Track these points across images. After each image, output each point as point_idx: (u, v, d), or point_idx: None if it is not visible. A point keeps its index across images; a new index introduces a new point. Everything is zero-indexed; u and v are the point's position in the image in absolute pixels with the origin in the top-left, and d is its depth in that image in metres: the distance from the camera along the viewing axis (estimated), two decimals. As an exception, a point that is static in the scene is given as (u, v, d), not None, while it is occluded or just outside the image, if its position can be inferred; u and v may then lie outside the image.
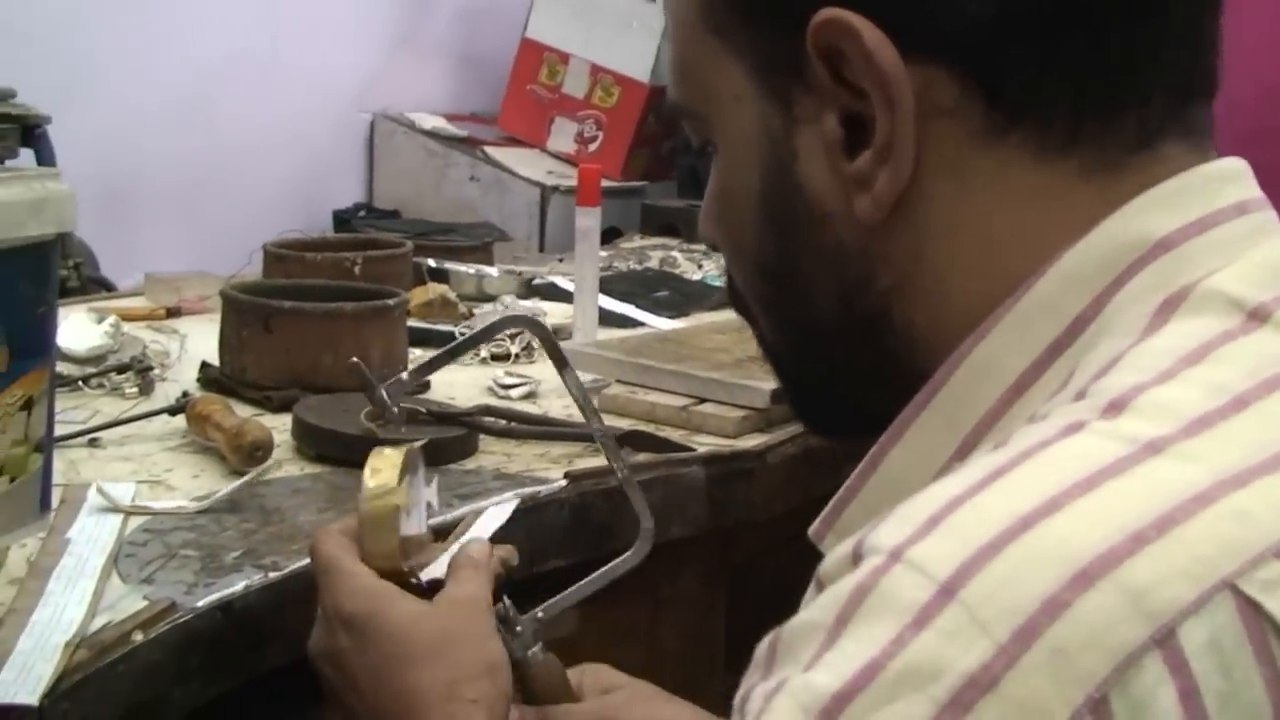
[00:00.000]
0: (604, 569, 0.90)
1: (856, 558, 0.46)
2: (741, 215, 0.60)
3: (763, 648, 0.47)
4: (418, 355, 1.56)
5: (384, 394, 0.86)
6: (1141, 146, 0.54)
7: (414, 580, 0.84)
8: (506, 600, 0.85)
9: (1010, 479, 0.45)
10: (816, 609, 0.45)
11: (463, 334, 1.67)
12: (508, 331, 1.66)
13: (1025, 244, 0.54)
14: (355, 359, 0.90)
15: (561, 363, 0.89)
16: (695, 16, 0.59)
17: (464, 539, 0.91)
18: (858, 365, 0.60)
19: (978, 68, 0.53)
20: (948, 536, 0.44)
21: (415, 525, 0.91)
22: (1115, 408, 0.47)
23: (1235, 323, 0.50)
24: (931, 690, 0.42)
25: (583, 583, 0.90)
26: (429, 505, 0.92)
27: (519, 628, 0.84)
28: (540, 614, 0.86)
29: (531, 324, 0.90)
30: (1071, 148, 0.53)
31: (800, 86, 0.56)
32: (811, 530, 0.60)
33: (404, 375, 0.89)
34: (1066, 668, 0.41)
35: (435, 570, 0.85)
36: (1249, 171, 0.56)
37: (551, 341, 0.89)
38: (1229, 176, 0.55)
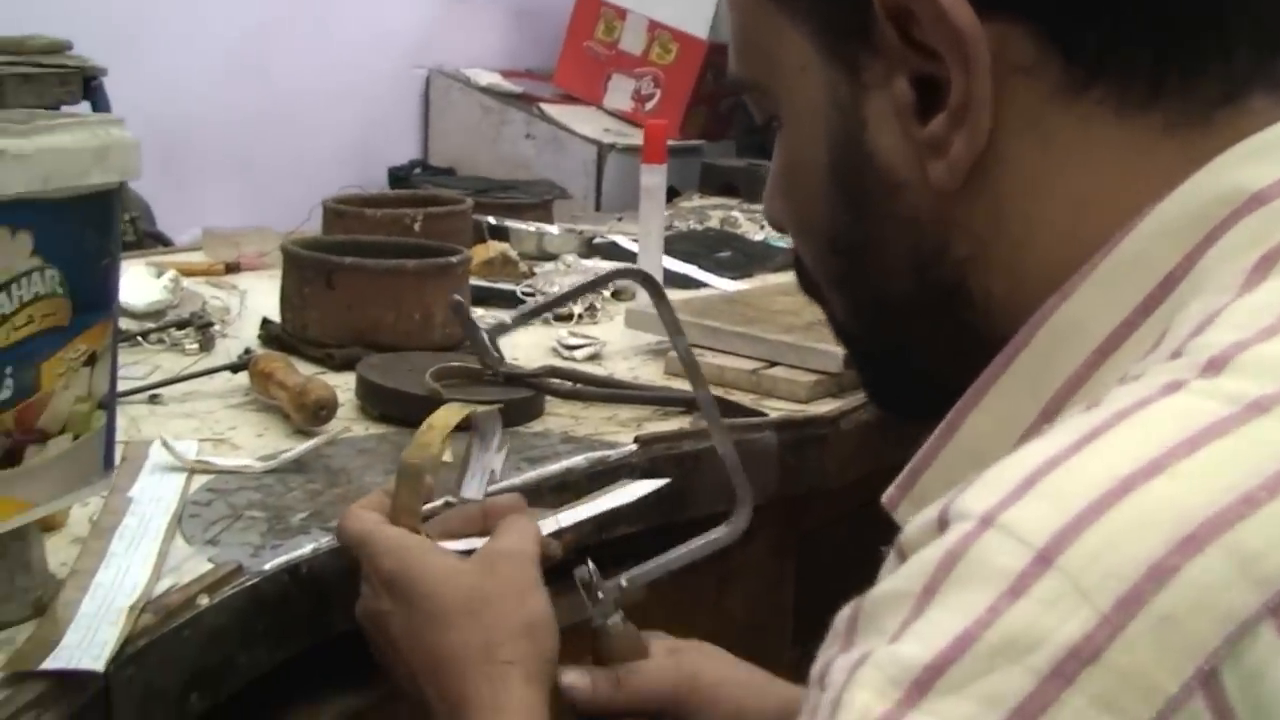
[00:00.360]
0: (696, 543, 0.87)
1: (943, 523, 0.43)
2: (810, 190, 0.58)
3: (842, 618, 0.45)
4: (479, 314, 1.53)
5: (486, 337, 0.82)
6: (1226, 101, 0.52)
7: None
8: (591, 565, 0.83)
9: (1108, 440, 0.43)
10: (901, 578, 0.43)
11: (525, 293, 1.63)
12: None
13: (1109, 203, 0.52)
14: (457, 296, 0.86)
15: (674, 325, 0.85)
16: None
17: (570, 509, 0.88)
18: (934, 340, 0.58)
19: (1055, 23, 0.51)
20: (1043, 500, 0.41)
21: (474, 490, 0.88)
22: (1215, 366, 0.44)
23: None
24: (1030, 661, 0.39)
25: (671, 555, 0.87)
26: (491, 473, 0.89)
27: (600, 594, 0.82)
28: (624, 582, 0.83)
29: (644, 278, 0.86)
30: (1154, 103, 0.51)
31: (868, 51, 0.54)
32: (885, 497, 0.58)
33: (507, 319, 0.85)
34: (1175, 637, 0.39)
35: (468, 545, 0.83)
36: None
37: (663, 298, 0.85)
38: None
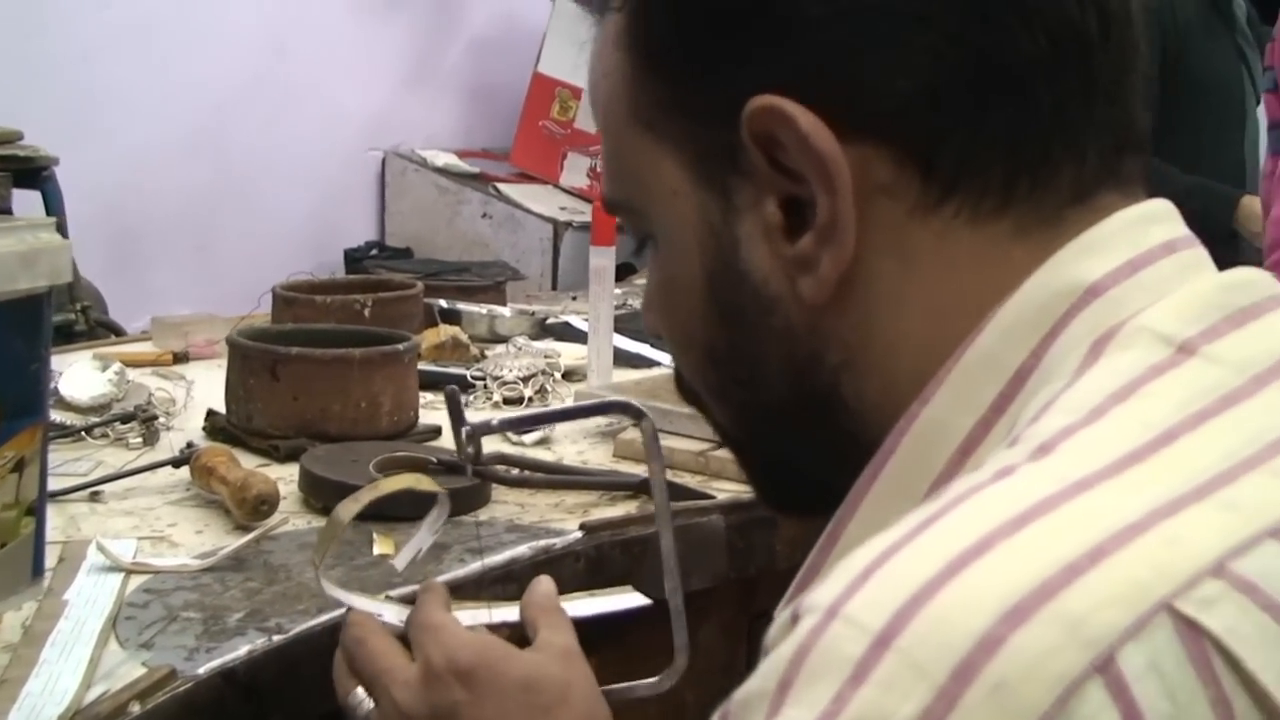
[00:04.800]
0: (623, 686, 0.86)
1: (795, 620, 0.45)
2: (687, 306, 0.61)
3: None
4: (428, 399, 1.52)
5: (464, 434, 0.81)
6: (1077, 200, 0.54)
7: None
8: None
9: (941, 525, 0.45)
10: (759, 676, 0.44)
11: (475, 377, 1.63)
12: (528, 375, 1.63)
13: (964, 309, 0.54)
14: (454, 386, 0.86)
15: (659, 462, 0.84)
16: (625, 111, 0.60)
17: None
18: (814, 443, 0.60)
19: (912, 143, 0.54)
20: (880, 586, 0.43)
21: (401, 562, 0.88)
22: (1045, 450, 0.47)
23: (1163, 356, 0.51)
24: None
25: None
26: (419, 551, 0.89)
27: None
28: None
29: (637, 414, 0.84)
30: (1006, 210, 0.54)
31: (737, 175, 0.56)
32: (776, 614, 0.58)
33: (493, 421, 0.84)
34: (1009, 702, 0.40)
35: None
36: (1175, 212, 0.57)
37: (654, 436, 0.84)
38: (1155, 217, 0.56)
